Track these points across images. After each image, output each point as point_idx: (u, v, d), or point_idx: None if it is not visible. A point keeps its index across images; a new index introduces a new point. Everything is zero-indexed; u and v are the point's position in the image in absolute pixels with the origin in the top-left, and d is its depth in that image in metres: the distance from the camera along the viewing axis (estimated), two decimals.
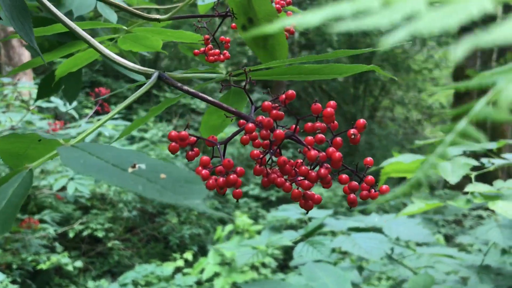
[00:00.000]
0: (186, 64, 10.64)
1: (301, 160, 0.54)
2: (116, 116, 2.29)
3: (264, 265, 5.70)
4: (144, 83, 0.57)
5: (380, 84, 16.16)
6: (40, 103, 2.36)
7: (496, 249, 2.11)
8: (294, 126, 0.54)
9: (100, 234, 7.02)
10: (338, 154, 0.51)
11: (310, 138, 0.52)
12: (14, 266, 4.90)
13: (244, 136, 0.53)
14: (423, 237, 1.41)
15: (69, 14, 1.07)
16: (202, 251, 7.43)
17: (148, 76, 0.58)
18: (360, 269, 1.78)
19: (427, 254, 1.74)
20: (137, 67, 0.59)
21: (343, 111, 16.28)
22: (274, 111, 0.52)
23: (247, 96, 0.52)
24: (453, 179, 1.21)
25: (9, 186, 0.46)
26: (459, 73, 10.97)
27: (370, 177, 0.56)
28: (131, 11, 0.69)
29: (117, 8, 0.72)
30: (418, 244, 2.14)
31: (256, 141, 0.54)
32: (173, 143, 0.58)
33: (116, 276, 6.64)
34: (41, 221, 4.35)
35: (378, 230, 1.45)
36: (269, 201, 9.47)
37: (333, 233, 1.52)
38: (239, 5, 0.59)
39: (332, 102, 0.54)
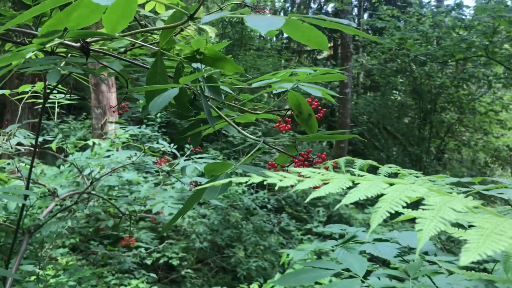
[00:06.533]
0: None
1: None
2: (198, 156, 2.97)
3: None
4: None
5: (446, 126, 16.11)
6: (149, 143, 3.12)
7: None
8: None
9: (174, 262, 7.58)
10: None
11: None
12: None
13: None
14: (427, 246, 1.93)
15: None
16: None
17: (253, 141, 1.21)
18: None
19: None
20: (252, 137, 1.21)
21: (408, 153, 16.35)
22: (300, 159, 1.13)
23: (295, 150, 1.13)
24: None
25: (221, 177, 1.02)
26: None
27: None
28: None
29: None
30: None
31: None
32: None
33: None
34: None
35: (395, 242, 2.01)
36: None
37: (362, 243, 2.09)
38: (294, 105, 1.23)
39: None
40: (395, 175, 0.89)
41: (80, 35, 1.06)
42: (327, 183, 0.51)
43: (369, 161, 0.94)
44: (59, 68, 1.32)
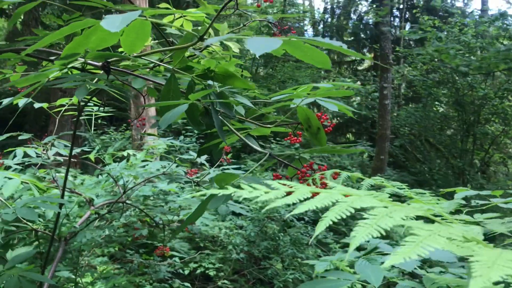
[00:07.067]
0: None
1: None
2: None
3: None
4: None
5: (490, 138, 15.65)
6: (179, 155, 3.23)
7: None
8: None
9: (211, 273, 7.64)
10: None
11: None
12: None
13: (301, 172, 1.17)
14: (448, 258, 1.93)
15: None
16: None
17: (262, 153, 1.27)
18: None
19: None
20: (260, 149, 1.27)
21: (451, 165, 15.96)
22: (304, 169, 1.18)
23: (300, 163, 1.19)
24: None
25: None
26: None
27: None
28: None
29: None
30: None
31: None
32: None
33: None
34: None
35: None
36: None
37: (385, 254, 2.11)
38: (303, 120, 1.28)
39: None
40: (379, 187, 0.93)
41: (99, 56, 1.15)
42: (291, 194, 0.56)
43: (357, 174, 0.98)
44: (87, 85, 1.42)
